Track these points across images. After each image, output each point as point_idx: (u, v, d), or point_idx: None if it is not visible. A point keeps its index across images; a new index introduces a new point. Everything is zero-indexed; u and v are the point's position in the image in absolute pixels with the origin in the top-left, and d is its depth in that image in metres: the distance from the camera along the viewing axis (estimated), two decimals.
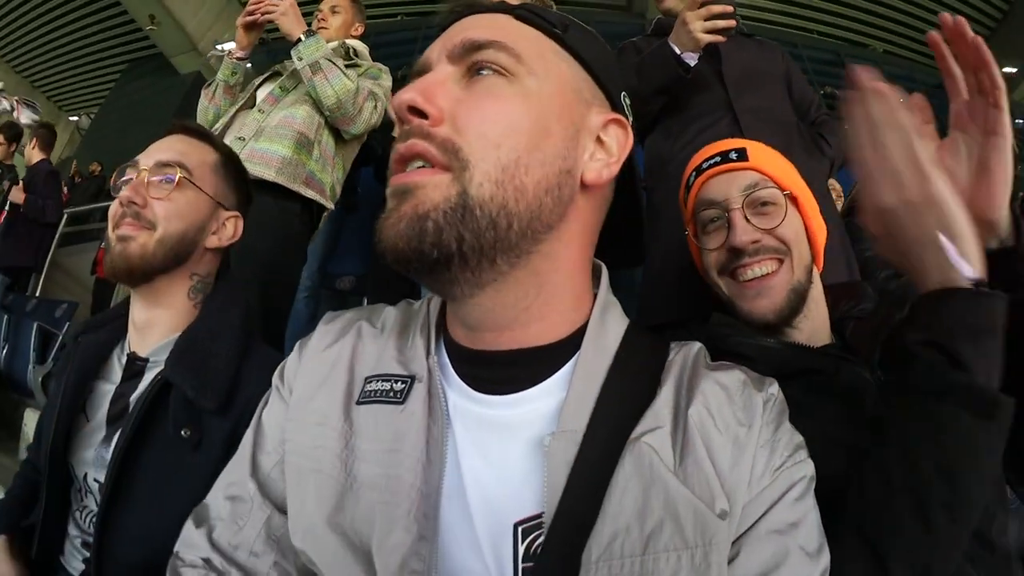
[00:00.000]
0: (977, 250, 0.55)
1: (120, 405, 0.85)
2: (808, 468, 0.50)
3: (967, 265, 0.54)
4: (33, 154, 3.85)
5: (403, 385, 0.52)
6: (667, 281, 1.26)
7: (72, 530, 0.85)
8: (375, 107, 1.76)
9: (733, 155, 0.90)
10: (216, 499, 0.60)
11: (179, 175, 0.89)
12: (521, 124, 0.47)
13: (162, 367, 0.82)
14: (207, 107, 1.75)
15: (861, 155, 0.59)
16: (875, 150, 0.57)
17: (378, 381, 0.53)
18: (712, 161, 0.92)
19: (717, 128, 1.33)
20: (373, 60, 1.92)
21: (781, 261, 0.84)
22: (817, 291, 0.88)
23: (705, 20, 1.20)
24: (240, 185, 1.01)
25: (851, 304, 0.91)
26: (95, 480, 0.83)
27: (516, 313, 0.50)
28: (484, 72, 0.49)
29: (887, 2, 9.71)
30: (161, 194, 0.87)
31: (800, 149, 1.38)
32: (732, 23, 1.22)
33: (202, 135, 0.98)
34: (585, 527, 0.43)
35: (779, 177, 0.88)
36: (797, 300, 0.83)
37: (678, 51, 1.25)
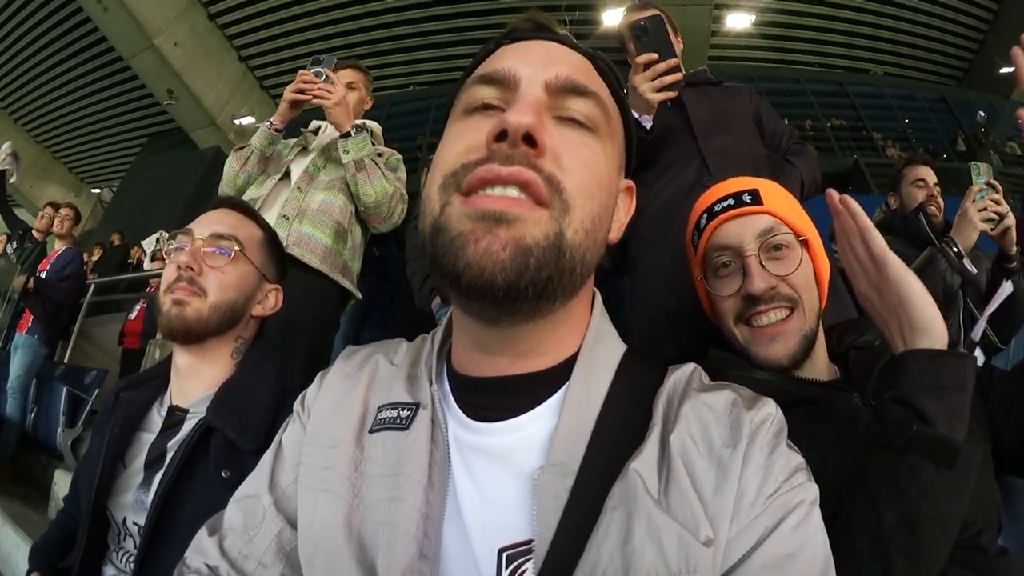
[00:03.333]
0: (939, 317, 0.64)
1: (158, 450, 0.90)
2: (809, 491, 0.47)
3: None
4: (61, 239, 3.79)
5: (409, 412, 0.53)
6: (654, 327, 1.30)
7: (108, 571, 0.89)
8: (403, 209, 1.83)
9: (747, 197, 0.88)
10: (231, 510, 0.62)
11: (235, 249, 0.97)
12: (605, 183, 0.50)
13: (201, 417, 0.88)
14: (237, 172, 1.74)
15: (844, 256, 0.74)
16: (847, 251, 0.72)
17: (388, 409, 0.55)
18: (725, 204, 0.90)
19: (686, 173, 1.38)
20: (387, 130, 1.97)
21: (792, 309, 0.84)
22: (820, 332, 0.88)
23: (653, 80, 1.26)
24: (280, 260, 1.09)
25: (854, 336, 0.92)
26: (134, 523, 0.87)
27: (538, 344, 0.51)
28: (576, 118, 0.50)
29: (884, 25, 9.82)
30: (217, 264, 0.95)
31: (768, 176, 1.37)
32: (679, 76, 1.26)
33: (249, 212, 1.06)
34: (575, 559, 0.42)
35: (793, 221, 0.88)
36: (808, 345, 0.84)
37: (636, 115, 1.29)
